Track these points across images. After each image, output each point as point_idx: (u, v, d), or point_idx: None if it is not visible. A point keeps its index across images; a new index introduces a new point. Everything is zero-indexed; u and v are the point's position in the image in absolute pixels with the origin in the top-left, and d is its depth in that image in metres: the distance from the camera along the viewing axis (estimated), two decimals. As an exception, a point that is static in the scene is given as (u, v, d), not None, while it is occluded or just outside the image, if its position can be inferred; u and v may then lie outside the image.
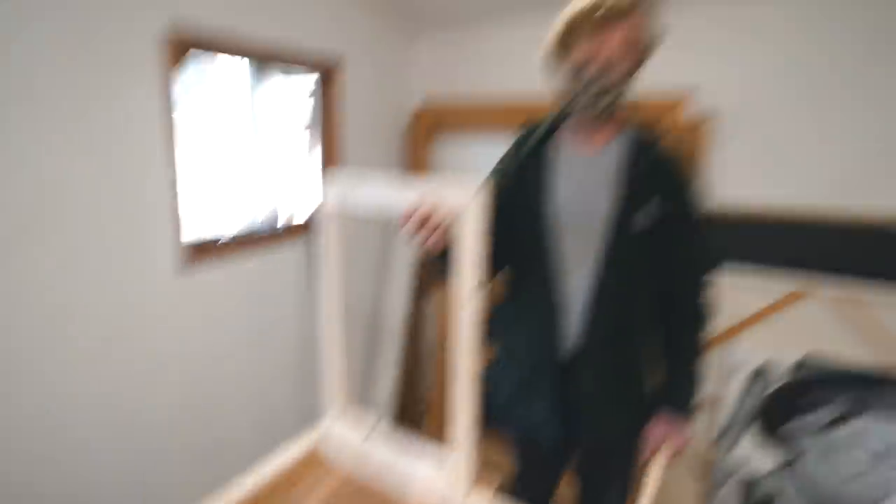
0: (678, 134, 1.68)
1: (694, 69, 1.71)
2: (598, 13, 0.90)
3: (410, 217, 0.78)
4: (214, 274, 1.57)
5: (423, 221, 0.77)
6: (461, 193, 0.75)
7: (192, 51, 1.41)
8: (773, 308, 1.73)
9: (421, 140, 2.29)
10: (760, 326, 1.76)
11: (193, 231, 1.56)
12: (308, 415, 2.00)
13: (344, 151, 2.02)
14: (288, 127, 2.02)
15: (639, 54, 0.96)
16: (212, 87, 1.69)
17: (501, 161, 1.16)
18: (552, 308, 1.06)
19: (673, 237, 1.03)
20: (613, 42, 0.91)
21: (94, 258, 1.26)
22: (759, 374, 1.76)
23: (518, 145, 1.14)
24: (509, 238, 1.10)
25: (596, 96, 0.95)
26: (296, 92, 2.00)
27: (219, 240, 1.65)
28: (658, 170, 1.01)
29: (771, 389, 1.73)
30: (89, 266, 1.25)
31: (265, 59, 1.70)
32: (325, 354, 1.02)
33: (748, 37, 1.64)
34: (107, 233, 1.27)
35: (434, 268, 0.95)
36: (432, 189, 0.78)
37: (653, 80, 1.69)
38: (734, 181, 1.74)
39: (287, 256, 1.84)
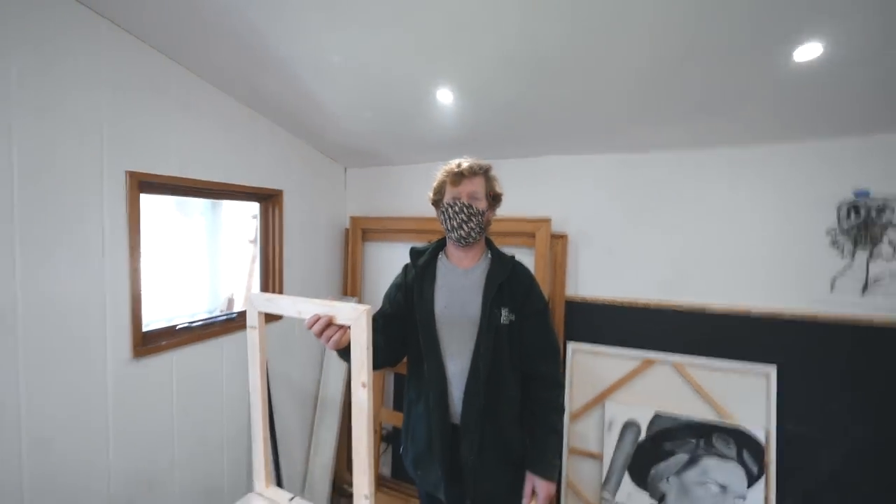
0: (544, 247, 1.96)
1: (552, 201, 2.04)
2: (456, 171, 1.16)
3: (314, 324, 0.89)
4: (168, 359, 1.57)
5: (324, 328, 0.89)
6: (352, 309, 0.89)
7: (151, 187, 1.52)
8: (630, 375, 1.94)
9: (353, 245, 2.47)
10: (623, 390, 1.95)
11: (152, 319, 1.58)
12: (244, 484, 1.89)
13: (287, 257, 2.11)
14: (236, 239, 2.13)
15: (489, 200, 1.21)
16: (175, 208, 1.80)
17: (397, 278, 1.31)
18: (442, 387, 1.16)
19: (527, 327, 1.20)
20: (468, 189, 1.17)
21: (62, 346, 1.27)
22: (626, 429, 1.92)
23: (408, 267, 1.30)
24: (408, 332, 1.23)
25: (461, 223, 1.18)
26: (242, 213, 2.14)
27: (175, 326, 1.65)
28: (512, 279, 1.21)
29: (637, 442, 1.89)
30: (58, 353, 1.26)
31: (213, 196, 1.83)
32: (254, 441, 1.05)
33: (586, 178, 2.00)
34: (73, 324, 1.29)
35: (342, 357, 1.05)
36: (330, 306, 0.91)
37: (523, 210, 2.06)
38: (588, 280, 2.01)
39: (232, 344, 1.83)
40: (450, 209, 1.18)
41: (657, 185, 1.89)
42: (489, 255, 1.26)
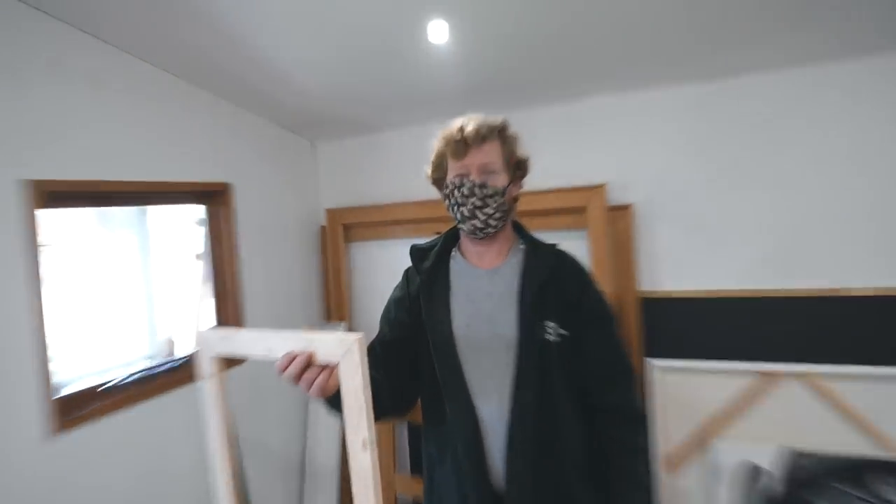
0: (599, 225, 1.95)
1: (605, 161, 2.04)
2: (458, 139, 1.15)
3: (288, 366, 0.90)
4: (94, 430, 1.60)
5: (301, 370, 0.90)
6: (338, 341, 0.89)
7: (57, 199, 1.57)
8: (744, 399, 1.89)
9: (333, 248, 2.50)
10: (734, 421, 1.90)
11: (68, 381, 1.61)
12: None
13: (245, 275, 2.15)
14: (179, 257, 2.18)
15: (510, 171, 1.20)
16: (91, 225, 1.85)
17: (396, 290, 1.31)
18: (474, 438, 1.15)
19: (586, 343, 1.19)
20: (478, 161, 1.16)
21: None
22: (745, 477, 1.89)
23: (410, 273, 1.30)
24: (419, 364, 1.23)
25: (474, 210, 1.17)
26: (184, 221, 2.18)
27: (101, 386, 1.68)
28: (558, 277, 1.20)
29: (762, 493, 1.86)
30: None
31: (140, 202, 1.87)
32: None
33: (650, 123, 1.98)
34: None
35: (330, 408, 1.02)
36: (308, 339, 0.92)
37: (565, 175, 2.05)
38: (668, 267, 1.99)
39: (181, 401, 1.87)
40: (456, 192, 1.17)
41: (754, 124, 1.86)
42: (521, 247, 1.25)
